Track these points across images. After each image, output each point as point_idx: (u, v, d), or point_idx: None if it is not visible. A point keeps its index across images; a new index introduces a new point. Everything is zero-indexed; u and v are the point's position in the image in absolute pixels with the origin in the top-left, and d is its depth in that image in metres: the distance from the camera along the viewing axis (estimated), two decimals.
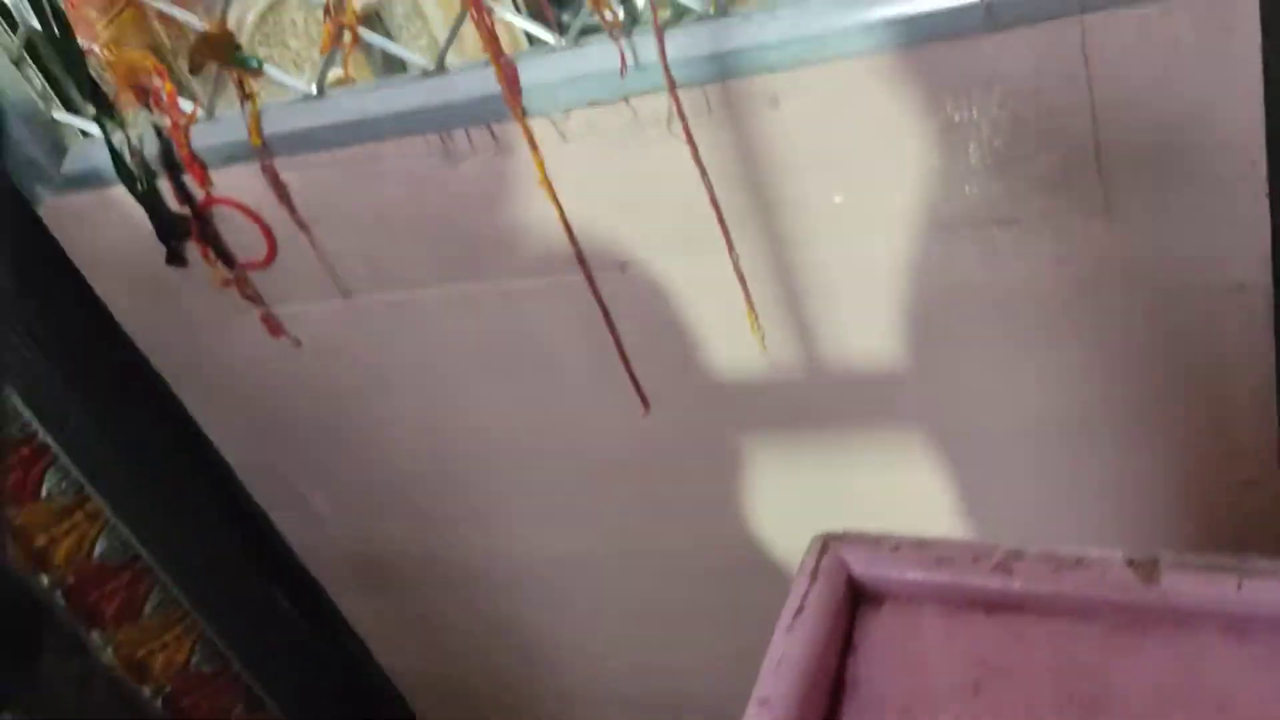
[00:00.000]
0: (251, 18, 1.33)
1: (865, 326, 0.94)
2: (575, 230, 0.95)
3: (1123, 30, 0.73)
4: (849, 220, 0.88)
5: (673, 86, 0.84)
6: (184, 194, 1.04)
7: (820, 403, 1.01)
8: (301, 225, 1.02)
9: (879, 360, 0.96)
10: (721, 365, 1.01)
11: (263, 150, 0.98)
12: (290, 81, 0.98)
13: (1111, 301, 0.86)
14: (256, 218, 1.03)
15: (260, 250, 1.06)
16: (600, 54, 0.86)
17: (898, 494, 1.04)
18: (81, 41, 1.00)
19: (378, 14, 1.57)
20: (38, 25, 0.99)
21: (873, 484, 1.04)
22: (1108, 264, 0.84)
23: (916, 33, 0.77)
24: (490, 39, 0.87)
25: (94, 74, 1.02)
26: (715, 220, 0.91)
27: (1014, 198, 0.83)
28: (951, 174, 0.83)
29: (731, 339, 0.99)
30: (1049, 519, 1.02)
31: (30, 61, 1.05)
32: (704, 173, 0.88)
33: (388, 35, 1.61)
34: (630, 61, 0.85)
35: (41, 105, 1.06)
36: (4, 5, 1.00)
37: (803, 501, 1.08)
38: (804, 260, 0.92)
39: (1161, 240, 0.81)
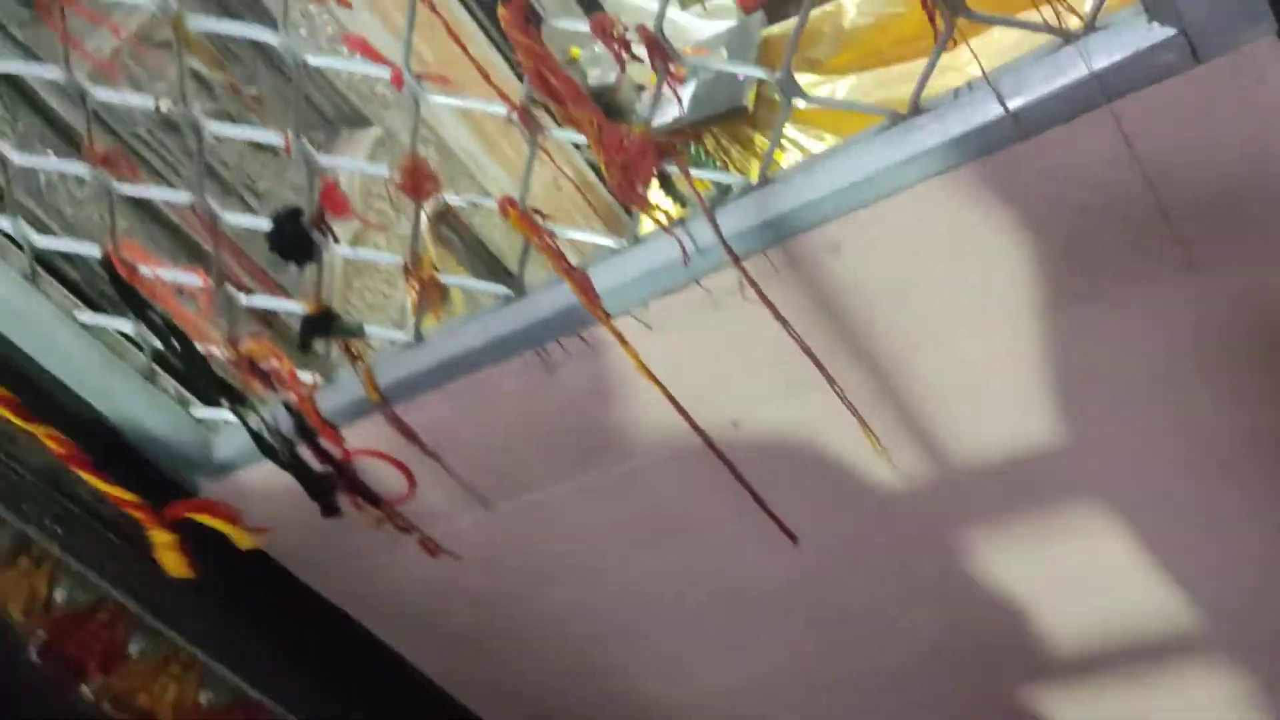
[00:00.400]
0: (339, 262, 1.43)
1: (982, 424, 0.95)
2: (682, 403, 0.98)
3: (1155, 105, 0.73)
4: (938, 331, 0.90)
5: (737, 261, 0.87)
6: (323, 454, 1.11)
7: (960, 501, 1.01)
8: (432, 456, 1.09)
9: (1006, 452, 0.96)
10: (855, 487, 1.03)
11: (381, 403, 1.05)
12: (391, 335, 1.05)
13: (1219, 346, 0.85)
14: (392, 460, 1.10)
15: (402, 485, 1.12)
16: (662, 246, 0.90)
17: (1065, 569, 1.03)
18: (200, 346, 1.09)
19: (449, 208, 1.66)
20: (159, 344, 1.09)
21: (1034, 567, 1.03)
22: (1207, 314, 0.83)
23: (951, 158, 0.79)
24: (558, 260, 0.92)
25: (219, 371, 1.11)
26: (810, 364, 0.93)
27: (1093, 276, 0.83)
28: (1023, 270, 0.84)
29: (858, 461, 1.01)
30: (1228, 555, 1.00)
31: (162, 373, 1.16)
32: (786, 325, 0.91)
33: (461, 222, 1.69)
34: (691, 247, 0.89)
35: (181, 407, 1.16)
36: (128, 334, 1.10)
37: (971, 601, 1.08)
38: (906, 375, 0.94)
39: (1252, 281, 0.80)
